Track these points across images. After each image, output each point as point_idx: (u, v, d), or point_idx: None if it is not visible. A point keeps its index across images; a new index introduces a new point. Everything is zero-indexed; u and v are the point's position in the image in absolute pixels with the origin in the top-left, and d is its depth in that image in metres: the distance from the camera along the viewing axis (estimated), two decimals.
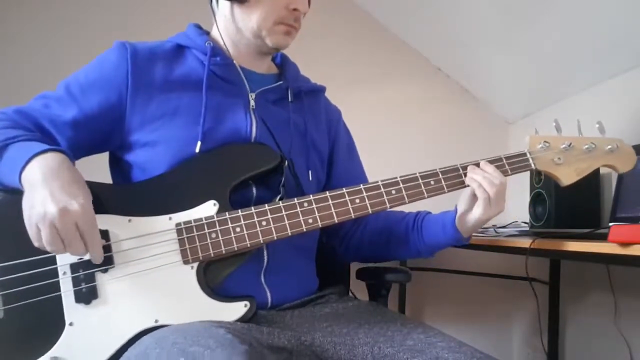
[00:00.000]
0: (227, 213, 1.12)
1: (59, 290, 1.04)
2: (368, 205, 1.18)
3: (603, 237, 1.20)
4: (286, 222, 1.13)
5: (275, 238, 1.13)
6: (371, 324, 1.18)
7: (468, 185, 1.21)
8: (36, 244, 0.98)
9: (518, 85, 2.64)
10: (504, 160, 1.25)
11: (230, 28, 1.27)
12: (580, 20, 1.97)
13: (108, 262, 1.06)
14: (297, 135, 1.32)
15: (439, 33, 2.71)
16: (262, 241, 1.12)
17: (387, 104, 2.87)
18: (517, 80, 2.60)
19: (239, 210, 1.12)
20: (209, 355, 0.85)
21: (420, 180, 1.21)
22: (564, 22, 2.04)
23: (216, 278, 1.12)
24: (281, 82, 1.33)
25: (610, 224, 1.45)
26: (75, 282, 1.04)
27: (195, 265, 1.10)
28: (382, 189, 1.19)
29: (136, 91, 1.19)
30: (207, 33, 1.32)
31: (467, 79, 2.90)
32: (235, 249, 1.11)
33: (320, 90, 1.46)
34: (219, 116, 1.22)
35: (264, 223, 1.12)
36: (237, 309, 1.09)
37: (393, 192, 1.19)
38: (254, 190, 1.21)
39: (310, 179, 1.31)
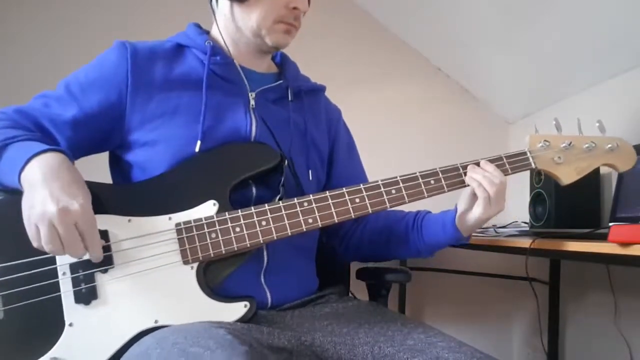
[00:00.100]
0: (226, 213, 1.12)
1: (59, 291, 1.04)
2: (368, 205, 1.17)
3: (603, 237, 1.20)
4: (286, 222, 1.13)
5: (275, 238, 1.12)
6: (371, 323, 1.18)
7: (468, 185, 1.22)
8: (35, 244, 0.98)
9: (518, 85, 2.64)
10: (505, 160, 1.25)
11: (230, 27, 1.27)
12: (580, 20, 1.97)
13: (108, 262, 1.06)
14: (297, 135, 1.32)
15: (439, 33, 2.71)
16: (262, 241, 1.12)
17: (387, 104, 2.87)
18: (517, 80, 2.60)
19: (239, 210, 1.12)
20: (209, 356, 0.85)
21: (421, 180, 1.21)
22: (564, 22, 2.04)
23: (216, 278, 1.12)
24: (281, 82, 1.33)
25: (610, 224, 1.45)
26: (75, 282, 1.04)
27: (195, 265, 1.09)
28: (382, 189, 1.19)
29: (136, 90, 1.18)
30: (207, 32, 1.32)
31: (467, 79, 2.90)
32: (235, 249, 1.10)
33: (320, 89, 1.46)
34: (218, 115, 1.22)
35: (263, 223, 1.12)
36: (237, 310, 1.09)
37: (393, 191, 1.19)
38: (254, 189, 1.21)
39: (310, 178, 1.31)
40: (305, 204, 1.15)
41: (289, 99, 1.33)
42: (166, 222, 1.10)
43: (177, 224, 1.10)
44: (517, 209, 2.19)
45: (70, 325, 1.03)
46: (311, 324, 1.18)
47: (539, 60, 2.33)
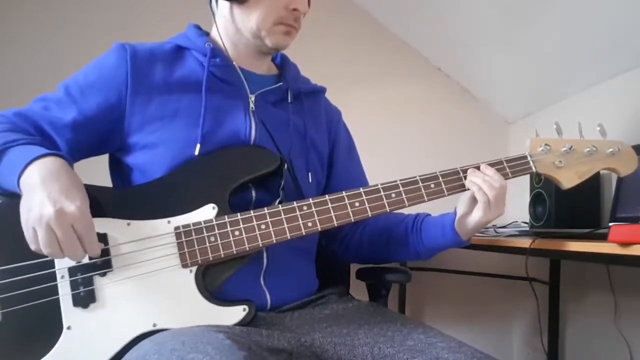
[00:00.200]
0: (226, 217, 1.12)
1: (57, 294, 1.04)
2: (368, 208, 1.17)
3: (603, 237, 1.19)
4: (285, 225, 1.13)
5: (275, 242, 1.12)
6: (371, 324, 1.18)
7: (468, 189, 1.21)
8: (33, 247, 0.98)
9: (518, 85, 2.64)
10: (505, 163, 1.25)
11: (230, 28, 1.27)
12: (580, 20, 1.97)
13: (106, 265, 1.06)
14: (297, 137, 1.32)
15: (439, 33, 2.71)
16: (261, 245, 1.12)
17: (387, 104, 2.87)
18: (517, 80, 2.60)
19: (238, 214, 1.12)
20: None
21: (421, 184, 1.20)
22: (564, 22, 2.03)
23: (215, 282, 1.12)
24: (281, 84, 1.32)
25: (610, 224, 1.45)
26: (73, 285, 1.04)
27: (194, 269, 1.09)
28: (382, 192, 1.19)
29: (136, 92, 1.18)
30: (207, 34, 1.32)
31: (467, 79, 2.89)
32: (234, 252, 1.10)
33: (321, 91, 1.45)
34: (218, 118, 1.21)
35: (263, 227, 1.12)
36: (235, 313, 1.09)
37: (393, 195, 1.19)
38: (254, 193, 1.21)
39: (310, 181, 1.31)
40: (305, 207, 1.15)
41: (289, 101, 1.33)
42: (165, 226, 1.10)
43: (176, 228, 1.10)
44: (517, 209, 2.19)
45: (69, 328, 1.03)
46: (311, 325, 1.18)
47: (539, 60, 2.33)
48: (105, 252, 1.05)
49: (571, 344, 2.41)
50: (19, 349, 1.02)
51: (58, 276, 1.04)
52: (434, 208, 1.31)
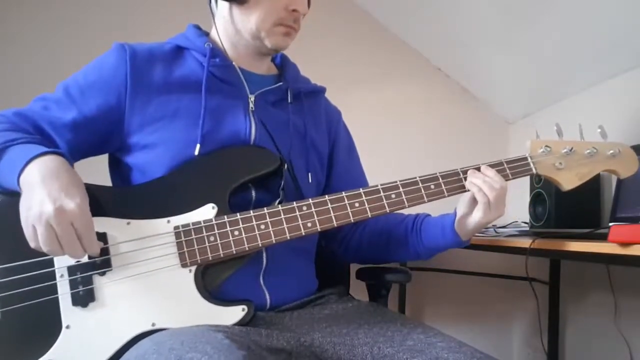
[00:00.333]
0: (225, 217, 1.12)
1: (56, 293, 1.04)
2: (367, 209, 1.17)
3: (603, 237, 1.20)
4: (285, 225, 1.13)
5: (274, 242, 1.12)
6: (371, 324, 1.18)
7: (468, 190, 1.21)
8: (32, 245, 0.98)
9: (518, 85, 2.64)
10: (505, 165, 1.25)
11: (230, 29, 1.27)
12: (580, 20, 1.97)
13: (106, 264, 1.06)
14: (297, 137, 1.32)
15: (439, 33, 2.71)
16: (260, 245, 1.12)
17: (387, 104, 2.87)
18: (517, 80, 2.60)
19: (238, 214, 1.12)
20: None
21: (420, 185, 1.20)
22: (564, 22, 2.03)
23: (214, 281, 1.12)
24: (281, 84, 1.32)
25: (610, 224, 1.45)
26: (73, 284, 1.04)
27: (194, 268, 1.09)
28: (382, 193, 1.19)
29: (135, 93, 1.18)
30: (207, 34, 1.32)
31: (467, 79, 2.89)
32: (234, 252, 1.10)
33: (320, 91, 1.45)
34: (218, 118, 1.21)
35: (262, 227, 1.12)
36: (234, 313, 1.09)
37: (393, 196, 1.19)
38: (253, 193, 1.21)
39: (310, 181, 1.31)
40: (305, 208, 1.15)
41: (289, 101, 1.33)
42: (165, 225, 1.10)
43: (176, 227, 1.10)
44: (517, 209, 2.18)
45: (68, 327, 1.03)
46: (310, 324, 1.18)
47: (539, 60, 2.33)
48: (105, 251, 1.06)
49: (571, 344, 2.41)
50: (18, 347, 1.02)
51: (57, 275, 1.04)
52: (433, 209, 1.31)
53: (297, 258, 1.29)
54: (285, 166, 1.23)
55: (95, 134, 1.19)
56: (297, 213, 1.14)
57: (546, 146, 1.27)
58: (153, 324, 1.05)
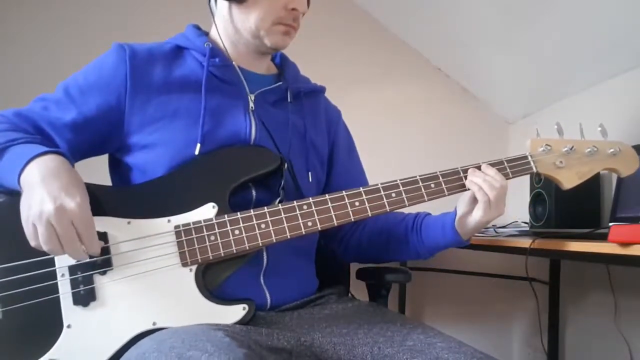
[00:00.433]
0: (226, 216, 1.12)
1: (57, 293, 1.04)
2: (368, 208, 1.17)
3: (603, 237, 1.19)
4: (285, 225, 1.13)
5: (275, 241, 1.12)
6: (371, 324, 1.18)
7: (468, 189, 1.21)
8: (32, 243, 0.98)
9: (518, 85, 2.64)
10: (505, 163, 1.25)
11: (229, 28, 1.27)
12: (580, 20, 1.97)
13: (106, 264, 1.06)
14: (296, 137, 1.32)
15: (439, 33, 2.71)
16: (261, 244, 1.12)
17: (387, 104, 2.87)
18: (517, 80, 2.60)
19: (238, 213, 1.12)
20: None
21: (421, 183, 1.20)
22: (564, 22, 2.03)
23: (215, 281, 1.12)
24: (280, 83, 1.33)
25: (610, 224, 1.45)
26: (74, 284, 1.04)
27: (194, 268, 1.09)
28: (382, 192, 1.19)
29: (135, 93, 1.18)
30: (206, 34, 1.32)
31: (467, 79, 2.89)
32: (234, 251, 1.10)
33: (320, 90, 1.45)
34: (218, 118, 1.21)
35: (263, 226, 1.12)
36: (235, 312, 1.09)
37: (393, 195, 1.19)
38: (254, 192, 1.21)
39: (310, 180, 1.31)
40: (305, 207, 1.15)
41: (289, 100, 1.33)
42: (165, 225, 1.10)
43: (176, 227, 1.10)
44: (517, 209, 2.18)
45: (69, 327, 1.03)
46: (310, 324, 1.18)
47: (539, 60, 2.33)
48: (106, 251, 1.06)
49: (571, 344, 2.41)
50: (19, 347, 1.02)
51: (58, 274, 1.04)
52: (434, 208, 1.31)
53: (298, 258, 1.29)
54: (286, 165, 1.23)
55: (95, 134, 1.19)
56: (298, 212, 1.14)
57: (546, 145, 1.27)
58: (154, 323, 1.05)
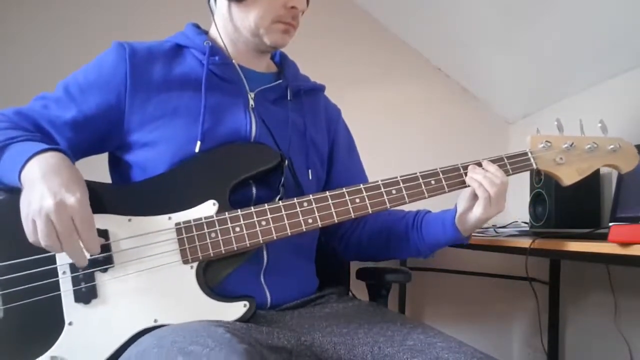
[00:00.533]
0: (226, 213, 1.12)
1: (59, 290, 1.04)
2: (368, 205, 1.17)
3: (603, 237, 1.20)
4: (286, 222, 1.13)
5: (275, 238, 1.12)
6: (371, 324, 1.18)
7: (469, 185, 1.21)
8: (31, 239, 0.97)
9: (518, 85, 2.64)
10: (505, 160, 1.25)
11: (229, 27, 1.27)
12: (580, 20, 1.97)
13: (107, 261, 1.06)
14: (296, 134, 1.32)
15: (439, 33, 2.71)
16: (261, 241, 1.12)
17: (387, 104, 2.87)
18: (517, 80, 2.60)
19: (239, 210, 1.12)
20: (207, 355, 0.85)
21: (421, 180, 1.20)
22: (564, 22, 2.04)
23: (216, 278, 1.12)
24: (280, 81, 1.33)
25: (610, 224, 1.45)
26: (75, 281, 1.04)
27: (195, 265, 1.09)
28: (382, 189, 1.19)
29: (135, 91, 1.18)
30: (206, 32, 1.32)
31: (467, 79, 2.90)
32: (235, 248, 1.10)
33: (320, 89, 1.46)
34: (218, 116, 1.22)
35: (263, 223, 1.12)
36: (236, 309, 1.09)
37: (393, 191, 1.19)
38: (254, 189, 1.21)
39: (310, 177, 1.31)
40: (305, 204, 1.15)
41: (289, 98, 1.33)
42: (166, 222, 1.10)
43: (177, 224, 1.10)
44: (517, 209, 2.19)
45: (70, 324, 1.03)
46: (311, 324, 1.17)
47: (539, 60, 2.33)
48: (107, 248, 1.06)
49: (571, 344, 2.41)
50: (20, 345, 1.02)
51: (59, 272, 1.04)
52: (434, 204, 1.31)
53: (298, 257, 1.29)
54: (286, 162, 1.23)
55: (95, 132, 1.19)
56: (298, 209, 1.14)
57: (546, 141, 1.27)
58: (155, 320, 1.05)
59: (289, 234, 1.13)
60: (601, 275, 2.06)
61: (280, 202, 1.15)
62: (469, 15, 2.39)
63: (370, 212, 1.18)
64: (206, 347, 0.86)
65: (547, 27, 2.13)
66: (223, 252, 1.10)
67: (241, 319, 1.08)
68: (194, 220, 1.11)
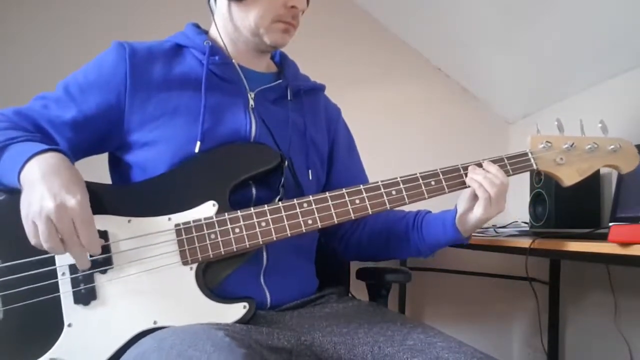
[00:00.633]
0: (226, 214, 1.12)
1: (58, 291, 1.03)
2: (368, 205, 1.17)
3: (603, 237, 1.20)
4: (285, 222, 1.13)
5: (275, 239, 1.12)
6: (371, 324, 1.17)
7: (469, 186, 1.21)
8: (33, 242, 0.97)
9: (518, 85, 2.64)
10: (506, 160, 1.25)
11: (229, 26, 1.27)
12: (580, 20, 1.97)
13: (107, 262, 1.06)
14: (296, 134, 1.32)
15: (439, 33, 2.71)
16: (261, 242, 1.12)
17: (387, 104, 2.87)
18: (517, 80, 2.60)
19: (238, 211, 1.12)
20: None
21: (421, 181, 1.20)
22: (564, 22, 2.04)
23: (215, 279, 1.12)
24: (280, 81, 1.33)
25: (610, 224, 1.45)
26: (74, 283, 1.04)
27: (194, 266, 1.09)
28: (382, 190, 1.19)
29: (135, 91, 1.18)
30: (206, 32, 1.32)
31: (467, 79, 2.90)
32: (235, 249, 1.10)
33: (320, 88, 1.46)
34: (218, 116, 1.21)
35: (263, 224, 1.12)
36: (236, 311, 1.09)
37: (393, 192, 1.19)
38: (254, 190, 1.21)
39: (310, 178, 1.31)
40: (305, 204, 1.15)
41: (289, 98, 1.33)
42: (166, 223, 1.10)
43: (177, 225, 1.10)
44: (517, 209, 2.19)
45: (69, 325, 1.03)
46: (311, 324, 1.17)
47: (539, 60, 2.33)
48: (106, 249, 1.05)
49: (571, 344, 2.41)
50: (19, 346, 1.02)
51: (59, 273, 1.04)
52: (434, 205, 1.31)
53: (298, 257, 1.29)
54: (286, 163, 1.23)
55: (95, 132, 1.19)
56: (298, 210, 1.14)
57: (547, 142, 1.27)
58: (154, 322, 1.05)
59: (289, 235, 1.13)
60: (601, 275, 2.06)
61: (280, 202, 1.14)
62: (469, 15, 2.39)
63: (370, 212, 1.17)
64: (205, 353, 0.86)
65: (547, 27, 2.13)
66: (222, 253, 1.10)
67: (241, 321, 1.08)
68: (194, 221, 1.10)
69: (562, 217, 1.80)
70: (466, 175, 1.21)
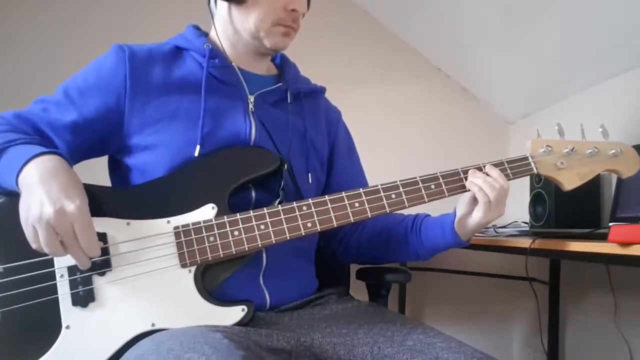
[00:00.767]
0: (225, 217, 1.12)
1: (56, 293, 1.03)
2: (367, 209, 1.17)
3: (603, 237, 1.20)
4: (285, 226, 1.13)
5: (274, 242, 1.12)
6: (371, 324, 1.17)
7: (469, 190, 1.21)
8: (34, 246, 0.98)
9: (518, 85, 2.64)
10: (506, 165, 1.25)
11: (229, 29, 1.27)
12: (580, 20, 1.97)
13: (105, 265, 1.05)
14: (296, 137, 1.32)
15: (439, 33, 2.71)
16: (260, 245, 1.12)
17: (387, 104, 2.87)
18: (517, 80, 2.60)
19: (238, 214, 1.12)
20: None
21: (421, 185, 1.20)
22: (564, 22, 2.03)
23: (214, 282, 1.12)
24: (280, 84, 1.32)
25: (610, 224, 1.45)
26: (73, 285, 1.04)
27: (193, 269, 1.09)
28: (382, 193, 1.18)
29: (134, 94, 1.18)
30: (206, 34, 1.32)
31: (467, 79, 2.90)
32: (234, 252, 1.10)
33: (320, 91, 1.45)
34: (218, 119, 1.21)
35: (262, 227, 1.12)
36: (234, 314, 1.09)
37: (393, 196, 1.18)
38: (253, 193, 1.21)
39: (310, 181, 1.31)
40: (305, 208, 1.15)
41: (289, 101, 1.32)
42: (165, 226, 1.10)
43: (176, 228, 1.10)
44: (517, 209, 2.18)
45: (67, 327, 1.03)
46: (310, 325, 1.17)
47: (539, 60, 2.33)
48: (105, 252, 1.05)
49: (571, 344, 2.41)
50: (17, 348, 1.02)
51: (57, 275, 1.04)
52: (434, 209, 1.31)
53: (297, 258, 1.29)
54: (285, 166, 1.22)
55: (94, 135, 1.19)
56: (297, 213, 1.14)
57: (547, 146, 1.27)
58: (153, 324, 1.05)
59: (288, 238, 1.13)
60: (601, 275, 2.06)
61: (279, 206, 1.14)
62: (469, 15, 2.39)
63: (370, 216, 1.17)
64: (203, 355, 0.86)
65: (547, 27, 2.12)
66: (221, 256, 1.10)
67: (239, 323, 1.08)
68: (193, 224, 1.10)
69: (562, 217, 1.80)
70: (466, 179, 1.21)
